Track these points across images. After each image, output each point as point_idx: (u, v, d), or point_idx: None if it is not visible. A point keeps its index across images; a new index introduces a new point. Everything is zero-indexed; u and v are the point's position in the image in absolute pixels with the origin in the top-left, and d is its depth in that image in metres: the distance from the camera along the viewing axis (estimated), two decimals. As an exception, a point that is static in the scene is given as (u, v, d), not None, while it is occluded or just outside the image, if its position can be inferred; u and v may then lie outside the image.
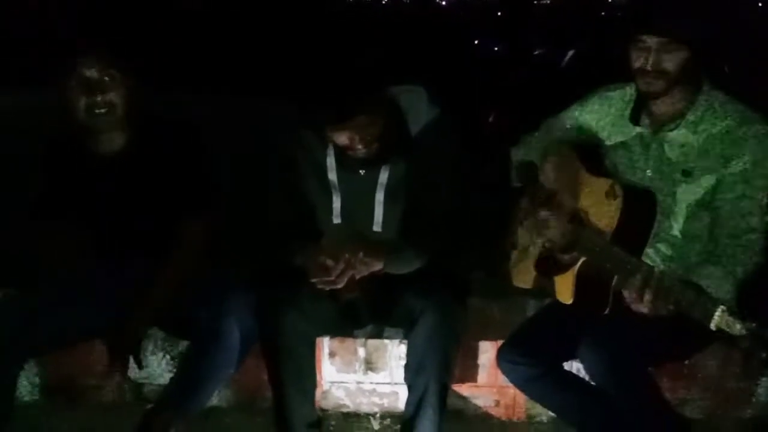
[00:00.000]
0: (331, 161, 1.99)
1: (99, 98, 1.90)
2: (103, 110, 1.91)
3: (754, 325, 1.40)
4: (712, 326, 1.48)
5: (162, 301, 1.95)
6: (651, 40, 1.71)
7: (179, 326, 2.04)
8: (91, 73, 1.90)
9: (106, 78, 1.91)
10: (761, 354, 1.37)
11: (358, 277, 1.87)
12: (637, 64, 1.75)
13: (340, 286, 1.86)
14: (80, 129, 1.97)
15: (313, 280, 1.86)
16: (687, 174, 1.79)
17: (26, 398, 2.33)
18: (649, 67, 1.72)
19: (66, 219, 2.05)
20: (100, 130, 1.97)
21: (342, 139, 1.86)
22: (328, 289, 1.86)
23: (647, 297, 1.59)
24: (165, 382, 2.15)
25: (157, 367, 2.32)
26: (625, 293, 1.66)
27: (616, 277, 1.71)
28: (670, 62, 1.71)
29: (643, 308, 1.62)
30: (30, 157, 2.14)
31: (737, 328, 1.43)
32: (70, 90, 1.91)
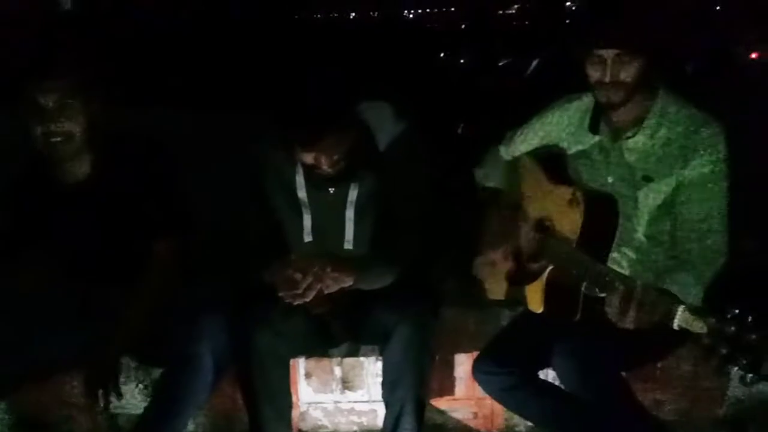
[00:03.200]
0: (300, 179, 1.99)
1: (54, 128, 1.86)
2: (59, 139, 1.87)
3: (713, 321, 1.42)
4: (675, 325, 1.50)
5: (137, 325, 1.93)
6: (606, 53, 1.74)
7: (152, 353, 2.01)
8: (47, 102, 1.86)
9: (64, 107, 1.87)
10: (721, 350, 1.39)
11: (327, 291, 1.86)
12: (594, 77, 1.77)
13: (307, 299, 1.84)
14: (43, 157, 1.94)
15: (281, 294, 1.84)
16: (647, 179, 1.82)
17: (-5, 435, 2.28)
18: (606, 80, 1.75)
19: (34, 250, 2.01)
20: (61, 159, 1.93)
21: (309, 159, 1.86)
22: (295, 303, 1.85)
23: (631, 312, 1.59)
24: (140, 411, 2.11)
25: (131, 397, 2.28)
26: (608, 310, 1.65)
27: (584, 283, 1.73)
28: (627, 73, 1.74)
29: (627, 323, 1.61)
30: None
31: (698, 325, 1.45)
32: (28, 118, 1.87)
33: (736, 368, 1.37)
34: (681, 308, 1.49)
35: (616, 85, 1.75)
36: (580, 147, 1.93)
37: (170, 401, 1.89)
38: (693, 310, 1.47)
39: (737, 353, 1.37)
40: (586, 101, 1.92)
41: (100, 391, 1.86)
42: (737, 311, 1.39)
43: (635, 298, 1.57)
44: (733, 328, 1.38)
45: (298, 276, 1.83)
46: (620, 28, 1.73)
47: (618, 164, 1.87)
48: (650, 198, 1.82)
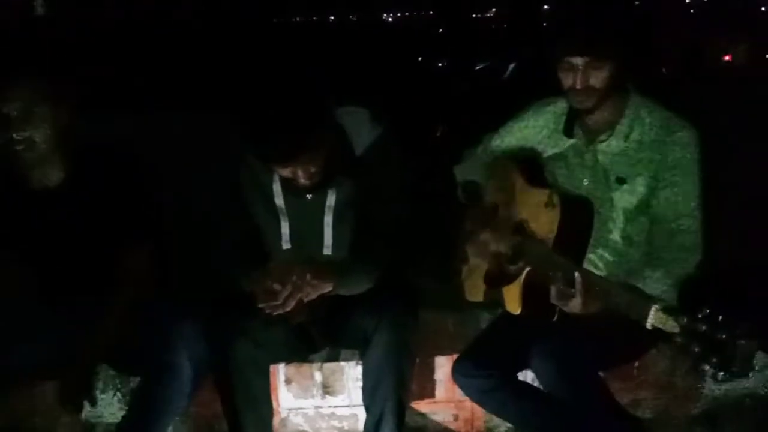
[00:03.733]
0: (277, 187, 1.98)
1: (15, 136, 1.82)
2: (21, 147, 1.83)
3: (685, 320, 1.44)
4: (648, 325, 1.52)
5: (111, 334, 1.90)
6: (577, 60, 1.76)
7: (129, 361, 1.99)
8: (9, 109, 1.81)
9: (27, 115, 1.82)
10: (694, 348, 1.41)
11: (307, 299, 1.86)
12: (567, 83, 1.80)
13: (288, 309, 1.83)
14: (11, 164, 1.90)
15: (261, 305, 1.83)
16: (621, 181, 1.85)
17: (-29, 447, 2.24)
18: (578, 86, 1.78)
19: (6, 257, 1.98)
20: (27, 166, 1.90)
21: (285, 173, 1.85)
22: (276, 313, 1.84)
23: (576, 297, 1.64)
24: (117, 420, 2.08)
25: (109, 406, 2.26)
26: (552, 294, 1.70)
27: (557, 285, 1.75)
28: (598, 78, 1.77)
29: (572, 308, 1.67)
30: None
31: (670, 324, 1.48)
32: None
33: (708, 366, 1.39)
34: (654, 308, 1.51)
35: (587, 91, 1.77)
36: (555, 150, 1.96)
37: (148, 410, 1.87)
38: (666, 310, 1.50)
39: (709, 352, 1.39)
40: (561, 105, 1.95)
41: (74, 399, 1.84)
42: (708, 311, 1.41)
43: (608, 298, 1.60)
44: (704, 327, 1.40)
45: (277, 287, 1.82)
46: (591, 35, 1.75)
47: (592, 167, 1.89)
48: (624, 200, 1.85)
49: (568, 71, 1.78)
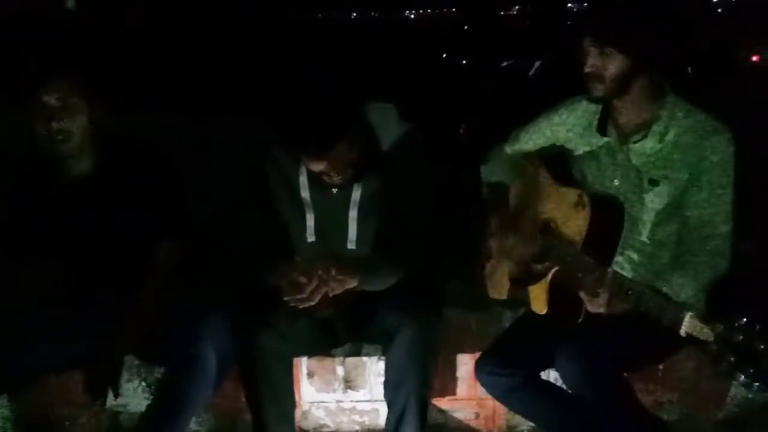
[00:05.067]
0: (303, 180, 1.99)
1: (55, 125, 1.87)
2: (59, 137, 1.88)
3: (721, 329, 1.43)
4: (682, 332, 1.51)
5: (138, 327, 1.93)
6: (588, 44, 1.77)
7: (155, 352, 2.01)
8: (49, 100, 1.87)
9: (65, 106, 1.88)
10: (729, 358, 1.40)
11: (332, 294, 1.87)
12: (581, 69, 1.80)
13: (313, 303, 1.85)
14: (45, 156, 1.94)
15: (286, 298, 1.85)
16: (653, 183, 1.83)
17: (-3, 432, 2.28)
18: (586, 70, 1.78)
19: (35, 249, 2.01)
20: (62, 157, 1.94)
21: (320, 167, 1.86)
22: (301, 307, 1.85)
23: (602, 295, 1.64)
24: (142, 409, 2.11)
25: (134, 395, 2.29)
26: (581, 293, 1.69)
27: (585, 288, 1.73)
28: (605, 67, 1.76)
29: (599, 307, 1.66)
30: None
31: (705, 333, 1.46)
32: (30, 116, 1.88)
33: (743, 377, 1.38)
34: (689, 315, 1.50)
35: (595, 78, 1.78)
36: (587, 148, 1.94)
37: (173, 400, 1.90)
38: (701, 318, 1.48)
39: (744, 362, 1.38)
40: (595, 103, 1.92)
41: (101, 390, 1.86)
42: (745, 320, 1.39)
43: (640, 303, 1.59)
44: (740, 337, 1.39)
45: (303, 280, 1.84)
46: (601, 22, 1.76)
47: (625, 167, 1.87)
48: (656, 201, 1.83)
49: (582, 56, 1.79)
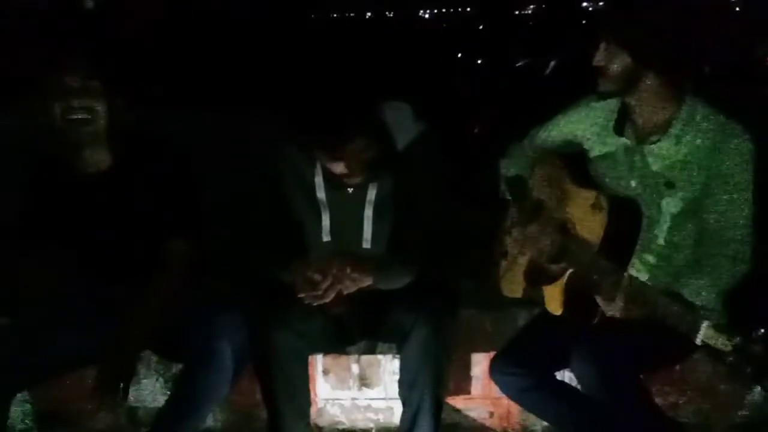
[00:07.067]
0: (319, 179, 2.00)
1: (76, 102, 1.87)
2: (79, 116, 1.88)
3: (738, 339, 1.42)
4: (698, 341, 1.50)
5: (152, 323, 1.93)
6: (599, 38, 1.77)
7: (171, 349, 2.03)
8: (71, 78, 1.87)
9: (87, 85, 1.88)
10: (746, 368, 1.39)
11: (346, 292, 1.88)
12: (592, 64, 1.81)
13: (327, 300, 1.86)
14: (63, 144, 1.94)
15: (301, 295, 1.86)
16: (670, 185, 1.81)
17: (19, 426, 2.31)
18: (594, 64, 1.79)
19: (51, 244, 2.02)
20: (80, 142, 1.93)
21: (336, 166, 1.87)
22: (315, 304, 1.87)
23: (618, 300, 1.63)
24: (159, 405, 2.13)
25: (151, 391, 2.31)
26: (598, 297, 1.69)
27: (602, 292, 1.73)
28: (610, 63, 1.77)
29: (615, 310, 1.66)
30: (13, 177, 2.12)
31: (722, 342, 1.45)
32: (50, 95, 1.88)
33: (761, 388, 1.37)
34: (705, 324, 1.49)
35: (602, 72, 1.78)
36: (604, 149, 1.92)
37: (189, 396, 1.90)
38: (718, 327, 1.47)
39: (762, 374, 1.37)
40: (613, 102, 1.90)
41: (114, 386, 1.86)
42: (763, 331, 1.38)
43: (656, 309, 1.58)
44: (758, 349, 1.38)
45: (318, 277, 1.85)
46: (609, 19, 1.78)
47: (641, 169, 1.86)
48: (673, 204, 1.81)
49: (593, 50, 1.79)
